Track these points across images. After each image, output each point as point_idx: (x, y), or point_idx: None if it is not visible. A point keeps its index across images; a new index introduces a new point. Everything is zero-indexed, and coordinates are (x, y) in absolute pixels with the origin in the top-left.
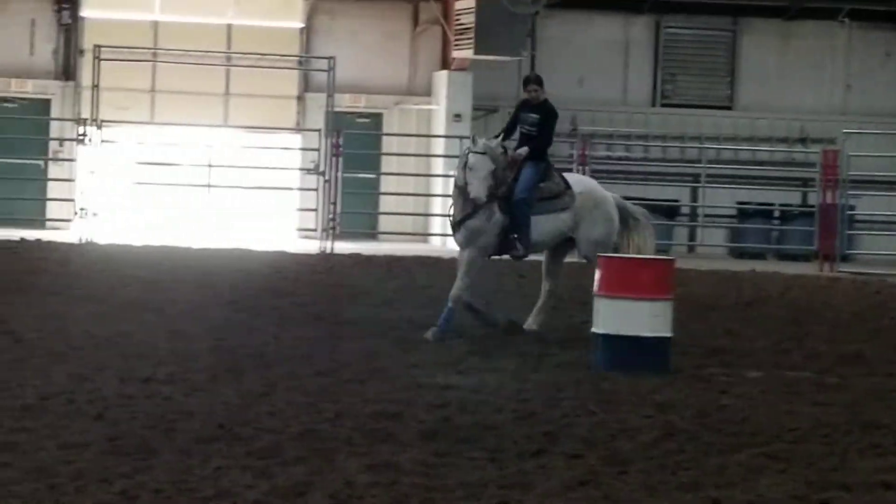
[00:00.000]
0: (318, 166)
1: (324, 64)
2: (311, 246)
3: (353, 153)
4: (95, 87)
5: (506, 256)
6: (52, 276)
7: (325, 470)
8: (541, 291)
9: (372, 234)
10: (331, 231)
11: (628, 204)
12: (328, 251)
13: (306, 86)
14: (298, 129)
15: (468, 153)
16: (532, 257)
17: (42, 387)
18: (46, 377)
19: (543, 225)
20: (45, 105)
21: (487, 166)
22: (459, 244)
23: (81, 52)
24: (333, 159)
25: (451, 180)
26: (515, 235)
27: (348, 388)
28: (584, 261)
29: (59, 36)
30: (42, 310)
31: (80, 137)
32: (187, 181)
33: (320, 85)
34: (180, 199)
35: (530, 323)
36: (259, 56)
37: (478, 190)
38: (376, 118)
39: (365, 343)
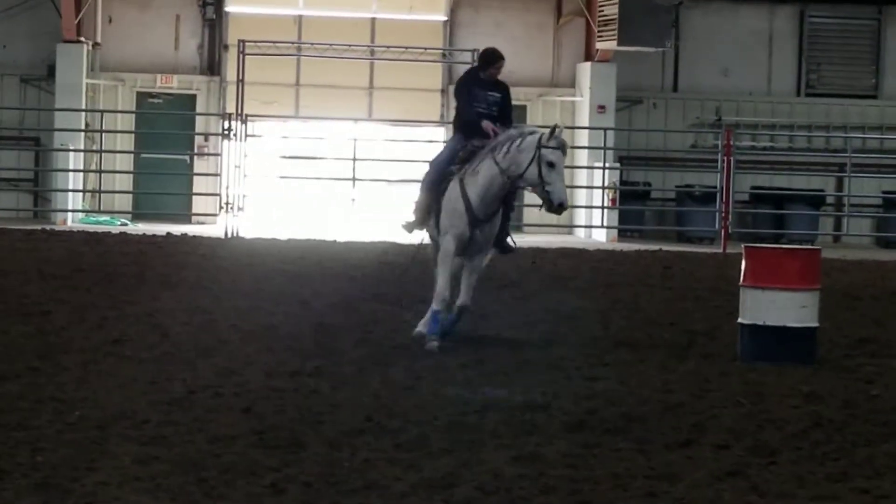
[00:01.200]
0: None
1: (467, 57)
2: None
3: None
4: (240, 81)
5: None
6: (199, 271)
7: (472, 462)
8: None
9: (516, 226)
10: None
11: None
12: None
13: (450, 79)
14: (443, 122)
15: (541, 146)
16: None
17: (190, 381)
18: (194, 371)
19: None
20: (190, 100)
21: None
22: (477, 244)
23: (226, 47)
24: None
25: (585, 172)
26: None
27: (495, 380)
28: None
29: (203, 31)
30: (189, 304)
31: (226, 132)
32: (332, 175)
33: None
34: (325, 192)
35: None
36: (402, 49)
37: (564, 194)
38: (520, 110)
39: (511, 335)
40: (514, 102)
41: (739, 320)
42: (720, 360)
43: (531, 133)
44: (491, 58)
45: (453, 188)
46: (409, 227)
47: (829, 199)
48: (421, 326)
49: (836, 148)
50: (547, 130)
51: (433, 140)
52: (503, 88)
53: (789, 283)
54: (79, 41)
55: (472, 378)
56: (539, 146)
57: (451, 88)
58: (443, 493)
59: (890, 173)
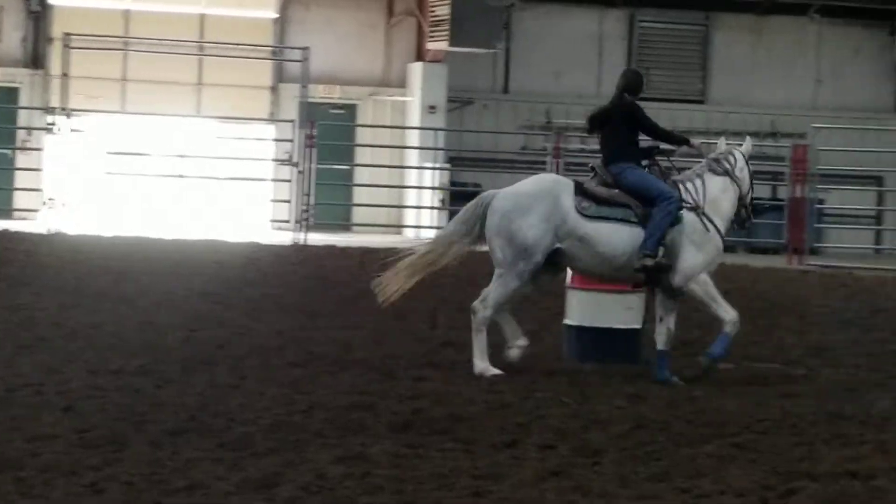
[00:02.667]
0: (291, 157)
1: (298, 54)
2: (285, 237)
3: (326, 144)
4: (65, 75)
5: None
6: (20, 267)
7: (296, 462)
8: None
9: (345, 225)
10: (304, 222)
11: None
12: (301, 242)
13: (280, 76)
14: (272, 119)
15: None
16: None
17: (9, 378)
18: (14, 369)
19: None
20: (13, 94)
21: None
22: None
23: (50, 40)
24: (307, 150)
25: (415, 172)
26: None
27: (321, 380)
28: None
29: (27, 23)
30: (10, 301)
31: (49, 126)
32: (159, 171)
33: (294, 75)
34: (151, 189)
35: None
36: (232, 46)
37: None
38: (350, 109)
39: (339, 335)
40: (343, 101)
41: (565, 321)
42: (546, 360)
43: None
44: None
45: None
46: None
47: None
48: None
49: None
50: None
51: (262, 138)
52: None
53: (615, 286)
54: None
55: (297, 378)
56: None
57: (282, 86)
58: (266, 492)
59: None
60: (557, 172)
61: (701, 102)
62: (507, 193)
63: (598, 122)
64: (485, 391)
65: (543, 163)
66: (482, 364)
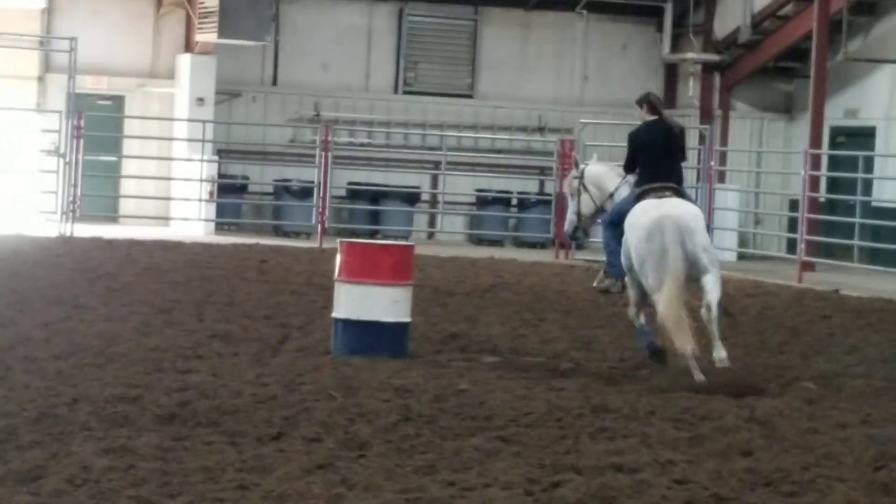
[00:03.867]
0: (58, 148)
1: (65, 44)
2: (51, 229)
3: (94, 135)
4: None
5: None
6: None
7: (61, 454)
8: None
9: (113, 217)
10: (71, 214)
11: None
12: (68, 234)
13: (47, 66)
14: (39, 109)
15: None
16: None
17: None
18: None
19: None
20: None
21: None
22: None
23: None
24: (74, 141)
25: (183, 164)
26: None
27: (86, 372)
28: None
29: None
30: None
31: None
32: None
33: (62, 66)
34: None
35: None
36: None
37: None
38: (118, 100)
39: (105, 327)
40: (112, 92)
41: (333, 315)
42: (314, 353)
43: None
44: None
45: None
46: None
47: (425, 196)
48: None
49: (432, 146)
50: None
51: (28, 128)
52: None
53: (382, 278)
54: None
55: (62, 370)
56: None
57: (49, 76)
58: (30, 485)
59: (483, 172)
60: (325, 165)
61: (470, 97)
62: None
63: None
64: (251, 384)
65: (312, 155)
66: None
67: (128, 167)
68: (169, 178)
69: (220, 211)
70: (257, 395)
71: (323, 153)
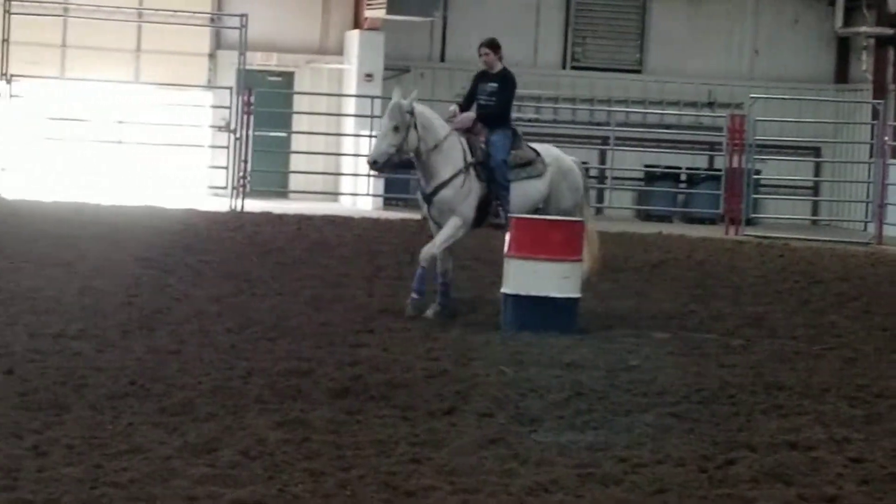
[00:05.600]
0: (228, 124)
1: (236, 21)
2: (222, 204)
3: (264, 111)
4: (5, 41)
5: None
6: None
7: (235, 427)
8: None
9: (282, 192)
10: (241, 189)
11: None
12: (238, 209)
13: (218, 43)
14: (210, 86)
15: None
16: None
17: None
18: None
19: (520, 192)
20: None
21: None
22: (434, 219)
23: None
24: (244, 117)
25: (352, 140)
26: (497, 202)
27: (259, 346)
28: None
29: None
30: None
31: None
32: (98, 137)
33: (232, 42)
34: (90, 155)
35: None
36: (171, 12)
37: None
38: (288, 77)
39: (276, 301)
40: (281, 68)
41: (503, 290)
42: (483, 328)
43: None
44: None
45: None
46: None
47: (593, 172)
48: None
49: (600, 121)
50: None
51: (200, 104)
52: (499, 78)
53: (552, 254)
54: None
55: (236, 344)
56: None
57: (220, 53)
58: (207, 457)
59: (651, 147)
60: None
61: (638, 72)
62: None
63: None
64: (422, 358)
65: None
66: None
67: (297, 143)
68: (338, 154)
69: (389, 186)
70: (428, 369)
71: None
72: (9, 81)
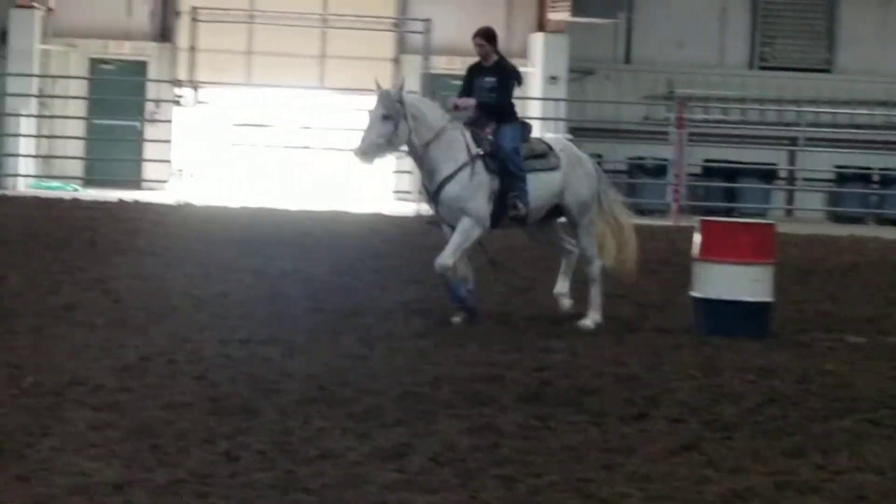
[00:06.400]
0: None
1: (419, 26)
2: (408, 208)
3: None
4: (192, 48)
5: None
6: (150, 237)
7: (424, 432)
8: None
9: None
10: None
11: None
12: (424, 213)
13: (402, 48)
14: None
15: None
16: None
17: (143, 347)
18: (146, 338)
19: (537, 184)
20: (142, 67)
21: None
22: (445, 219)
23: (178, 13)
24: None
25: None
26: (514, 193)
27: (447, 351)
28: (572, 226)
29: None
30: (140, 270)
31: (177, 99)
32: (283, 143)
33: (416, 47)
34: (276, 160)
35: (559, 289)
36: (355, 17)
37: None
38: None
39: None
40: (463, 72)
41: (692, 293)
42: (673, 333)
43: None
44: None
45: None
46: None
47: (782, 173)
48: None
49: (789, 122)
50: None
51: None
52: (497, 71)
53: (743, 257)
54: (32, 6)
55: (424, 348)
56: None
57: (403, 57)
58: (396, 462)
59: (842, 148)
60: (680, 143)
61: (827, 72)
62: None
63: None
64: (611, 363)
65: (665, 133)
66: None
67: None
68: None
69: None
70: (618, 374)
71: (677, 130)
72: (196, 88)
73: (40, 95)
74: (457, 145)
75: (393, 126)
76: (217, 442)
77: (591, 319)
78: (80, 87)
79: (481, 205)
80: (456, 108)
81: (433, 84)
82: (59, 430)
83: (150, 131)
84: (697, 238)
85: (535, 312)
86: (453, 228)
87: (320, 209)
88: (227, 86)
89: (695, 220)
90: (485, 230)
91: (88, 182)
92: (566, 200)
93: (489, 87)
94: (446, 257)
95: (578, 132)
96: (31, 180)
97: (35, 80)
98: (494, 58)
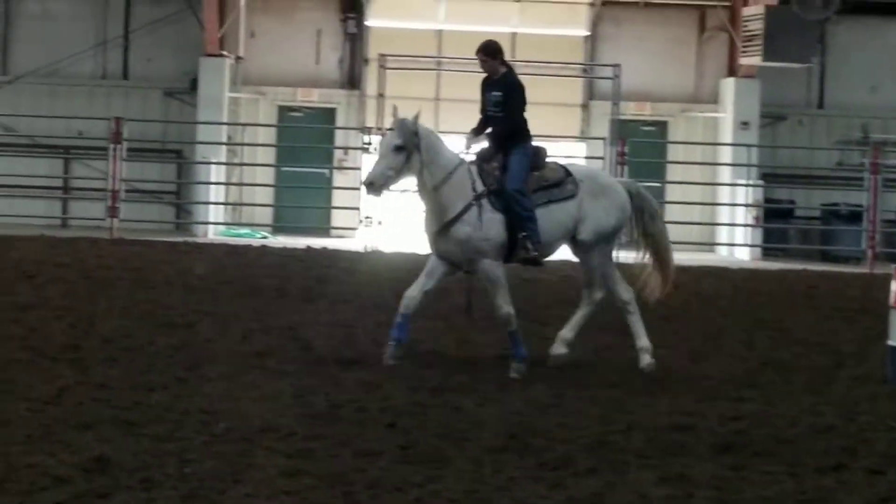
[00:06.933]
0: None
1: (609, 71)
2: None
3: (638, 161)
4: (380, 95)
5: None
6: (339, 284)
7: (617, 482)
8: (581, 301)
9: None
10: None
11: (643, 190)
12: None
13: (591, 93)
14: (583, 137)
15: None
16: None
17: (333, 395)
18: (337, 385)
19: (548, 218)
20: (330, 114)
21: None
22: (442, 255)
23: (366, 60)
24: (618, 167)
25: (728, 189)
26: (524, 234)
27: (639, 399)
28: (583, 258)
29: (344, 45)
30: (331, 317)
31: (365, 146)
32: None
33: (605, 93)
34: None
35: (561, 339)
36: (543, 64)
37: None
38: (661, 126)
39: (655, 354)
40: (655, 118)
41: (889, 342)
42: (870, 382)
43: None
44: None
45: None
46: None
47: None
48: None
49: None
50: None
51: (573, 155)
52: (504, 84)
53: None
54: (221, 55)
55: (615, 397)
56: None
57: (592, 104)
58: None
59: None
60: (875, 188)
61: None
62: None
63: None
64: (807, 412)
65: (860, 178)
66: None
67: (672, 193)
68: (714, 204)
69: (767, 236)
70: (814, 424)
71: (872, 176)
72: (384, 135)
73: (229, 143)
74: (466, 184)
75: (405, 157)
76: (408, 490)
77: (645, 353)
78: (268, 135)
79: (491, 244)
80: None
81: (622, 130)
82: (252, 476)
83: (338, 178)
84: (894, 286)
85: (727, 361)
86: (455, 265)
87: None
88: None
89: (891, 268)
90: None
91: (277, 229)
92: (580, 230)
93: (494, 100)
94: (504, 306)
95: (770, 178)
96: (221, 227)
97: (224, 128)
98: (502, 70)
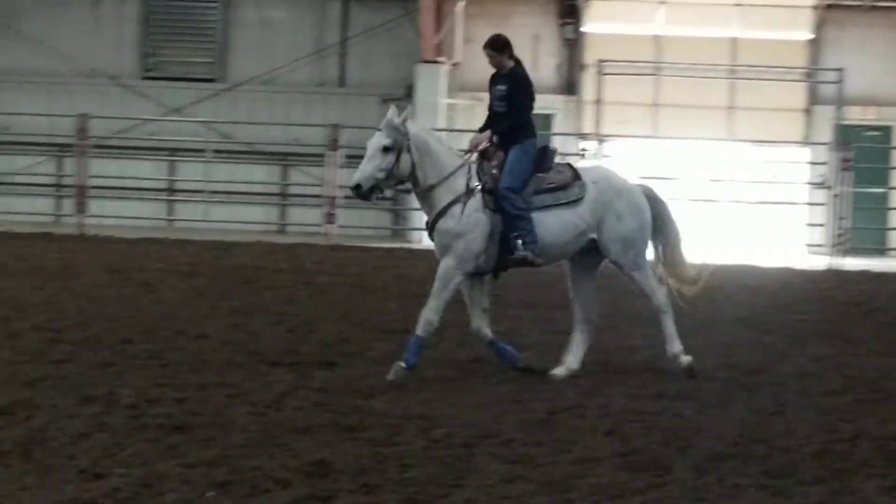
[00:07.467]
0: (825, 181)
1: (832, 76)
2: (819, 262)
3: (863, 167)
4: (598, 101)
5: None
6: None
7: (843, 491)
8: (573, 322)
9: (881, 250)
10: (840, 247)
11: (658, 193)
12: (837, 267)
13: (813, 98)
14: (805, 142)
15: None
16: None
17: (552, 401)
18: (556, 392)
19: (552, 222)
20: (547, 120)
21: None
22: (439, 257)
23: (584, 66)
24: (842, 173)
25: None
26: (514, 234)
27: (864, 408)
28: (616, 267)
29: (562, 51)
30: (549, 325)
31: (581, 152)
32: (690, 195)
33: (828, 97)
34: (683, 213)
35: (564, 366)
36: (764, 68)
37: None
38: (886, 131)
39: (878, 362)
40: (880, 122)
41: None
42: None
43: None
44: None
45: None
46: None
47: None
48: None
49: None
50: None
51: (795, 161)
52: (508, 78)
53: None
54: (437, 61)
55: (839, 405)
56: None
57: (815, 108)
58: None
59: None
60: None
61: None
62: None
63: None
64: None
65: None
66: None
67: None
68: None
69: None
70: None
71: None
72: (601, 142)
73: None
74: (460, 180)
75: (394, 158)
76: (629, 497)
77: (681, 357)
78: None
79: (470, 243)
80: (473, 148)
81: (846, 135)
82: (472, 482)
83: None
84: None
85: None
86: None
87: (730, 262)
88: (632, 138)
89: None
90: (467, 273)
91: None
92: (601, 237)
93: (499, 95)
94: (428, 311)
95: None
96: None
97: (442, 135)
98: (510, 65)
